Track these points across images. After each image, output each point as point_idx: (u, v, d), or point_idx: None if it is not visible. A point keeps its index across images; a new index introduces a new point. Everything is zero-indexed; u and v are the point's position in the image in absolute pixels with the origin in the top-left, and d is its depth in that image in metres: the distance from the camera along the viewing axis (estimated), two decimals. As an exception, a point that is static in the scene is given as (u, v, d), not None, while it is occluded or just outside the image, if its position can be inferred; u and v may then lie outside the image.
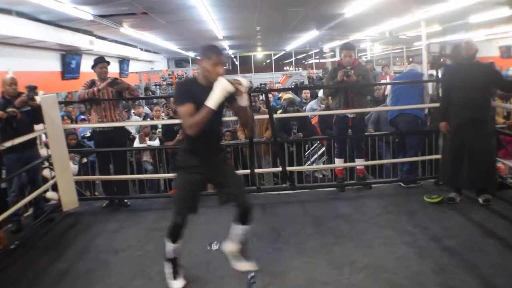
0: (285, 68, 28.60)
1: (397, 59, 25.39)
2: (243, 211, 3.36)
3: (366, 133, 5.84)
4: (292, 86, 12.51)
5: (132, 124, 6.88)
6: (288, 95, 8.01)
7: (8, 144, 4.33)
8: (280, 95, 8.78)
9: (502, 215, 4.42)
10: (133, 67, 17.33)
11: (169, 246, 3.34)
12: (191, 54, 22.34)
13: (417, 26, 12.71)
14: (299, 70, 23.21)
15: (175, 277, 3.39)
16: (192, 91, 3.06)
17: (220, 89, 2.93)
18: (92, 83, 5.30)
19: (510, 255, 3.60)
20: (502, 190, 4.92)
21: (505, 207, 4.57)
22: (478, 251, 3.69)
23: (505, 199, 4.73)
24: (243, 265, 3.52)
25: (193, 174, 3.23)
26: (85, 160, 6.12)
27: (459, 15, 11.26)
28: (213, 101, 2.93)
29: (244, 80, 3.07)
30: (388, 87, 6.36)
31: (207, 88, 3.00)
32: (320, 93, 7.46)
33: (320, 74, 14.10)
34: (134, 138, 6.59)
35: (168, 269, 3.38)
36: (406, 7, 10.34)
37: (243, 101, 3.11)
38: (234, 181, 3.43)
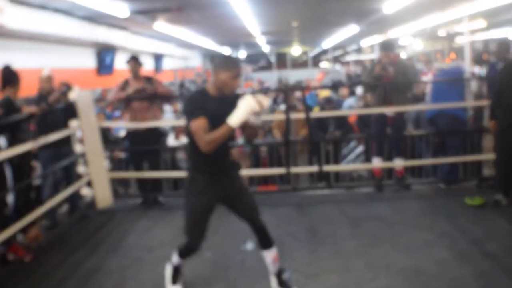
0: (321, 65, 28.35)
1: (438, 56, 24.91)
2: (259, 232, 3.14)
3: (405, 132, 5.69)
4: (329, 84, 12.41)
5: (165, 124, 6.87)
6: (326, 92, 7.90)
7: (42, 140, 4.38)
8: (317, 92, 8.67)
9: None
10: (167, 63, 17.47)
11: (177, 258, 3.28)
12: (227, 50, 22.41)
13: (460, 21, 12.42)
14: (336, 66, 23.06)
15: (174, 282, 3.32)
16: (204, 103, 2.85)
17: (246, 108, 2.69)
18: (125, 84, 5.34)
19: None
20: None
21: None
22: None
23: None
24: None
25: (205, 196, 3.03)
26: (122, 155, 6.19)
27: (504, 9, 10.96)
28: (236, 120, 2.70)
29: (265, 99, 2.80)
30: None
31: (219, 100, 2.87)
32: (359, 90, 7.34)
33: (358, 72, 13.94)
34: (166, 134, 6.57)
35: (169, 273, 3.33)
36: (449, 0, 10.09)
37: (258, 120, 2.88)
38: (247, 200, 3.16)
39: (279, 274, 3.18)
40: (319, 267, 3.58)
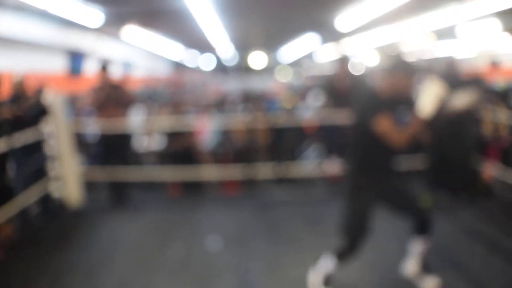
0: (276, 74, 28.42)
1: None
2: (422, 222, 3.28)
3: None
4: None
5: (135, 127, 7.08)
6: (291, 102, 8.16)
7: (14, 141, 4.56)
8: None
9: None
10: (137, 72, 17.43)
11: (329, 263, 3.29)
12: (196, 54, 22.31)
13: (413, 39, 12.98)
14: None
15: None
16: (380, 103, 3.02)
17: (431, 97, 2.95)
18: (97, 90, 5.66)
19: None
20: None
21: None
22: None
23: None
24: (430, 283, 3.35)
25: (368, 195, 3.17)
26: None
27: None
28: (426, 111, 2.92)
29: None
30: None
31: (391, 100, 3.06)
32: (312, 102, 7.68)
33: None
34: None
35: (318, 280, 3.37)
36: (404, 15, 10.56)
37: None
38: (407, 196, 3.33)
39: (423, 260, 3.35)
40: (281, 262, 3.91)
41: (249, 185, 6.04)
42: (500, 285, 3.45)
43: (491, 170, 5.37)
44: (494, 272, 3.61)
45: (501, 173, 5.21)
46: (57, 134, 5.34)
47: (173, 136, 6.09)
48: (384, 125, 2.95)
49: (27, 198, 4.80)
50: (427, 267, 3.42)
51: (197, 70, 25.48)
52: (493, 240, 4.21)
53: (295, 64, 25.67)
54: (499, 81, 8.24)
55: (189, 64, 24.12)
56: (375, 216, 3.23)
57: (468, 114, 4.93)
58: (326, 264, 3.31)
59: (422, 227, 3.26)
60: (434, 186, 5.18)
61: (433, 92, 2.99)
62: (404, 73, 3.08)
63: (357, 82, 5.81)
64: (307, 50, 18.96)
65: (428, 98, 2.98)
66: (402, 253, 3.55)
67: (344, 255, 3.23)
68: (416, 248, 3.33)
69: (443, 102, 3.34)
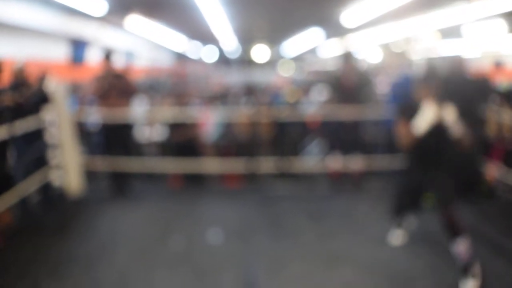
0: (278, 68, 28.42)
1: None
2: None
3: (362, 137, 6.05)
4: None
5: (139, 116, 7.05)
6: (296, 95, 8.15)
7: (15, 128, 4.53)
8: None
9: None
10: (139, 62, 17.36)
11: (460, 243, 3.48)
12: (198, 45, 22.20)
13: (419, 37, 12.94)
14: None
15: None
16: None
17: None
18: (100, 79, 5.63)
19: None
20: None
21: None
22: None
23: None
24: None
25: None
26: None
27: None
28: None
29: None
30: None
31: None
32: (316, 97, 7.67)
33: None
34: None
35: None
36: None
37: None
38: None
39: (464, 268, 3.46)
40: (283, 257, 3.89)
41: (251, 178, 6.01)
42: (502, 285, 3.45)
43: (494, 171, 5.34)
44: (496, 273, 3.59)
45: (504, 175, 5.18)
46: (59, 123, 5.31)
47: (176, 127, 6.05)
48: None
49: (27, 186, 4.77)
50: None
51: (200, 61, 25.38)
52: (495, 241, 4.20)
53: (298, 59, 25.60)
54: (503, 82, 8.18)
55: (192, 55, 24.02)
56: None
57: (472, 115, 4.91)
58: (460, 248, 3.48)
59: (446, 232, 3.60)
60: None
61: (429, 114, 3.52)
62: (434, 84, 3.59)
63: (362, 79, 5.77)
64: (310, 45, 18.90)
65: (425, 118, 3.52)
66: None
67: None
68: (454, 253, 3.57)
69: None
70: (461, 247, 3.45)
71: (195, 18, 11.75)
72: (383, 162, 5.72)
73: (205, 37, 17.33)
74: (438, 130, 3.59)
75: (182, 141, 6.00)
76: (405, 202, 4.00)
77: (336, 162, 5.84)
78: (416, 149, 3.74)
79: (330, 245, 4.12)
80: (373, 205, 5.20)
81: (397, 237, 4.22)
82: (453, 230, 3.48)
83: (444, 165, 3.71)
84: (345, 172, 5.90)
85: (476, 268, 3.43)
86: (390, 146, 5.90)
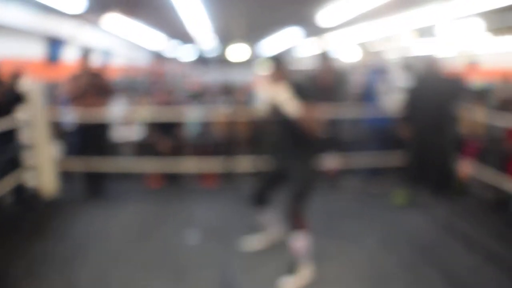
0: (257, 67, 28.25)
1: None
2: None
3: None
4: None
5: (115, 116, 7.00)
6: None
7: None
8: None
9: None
10: (116, 61, 17.21)
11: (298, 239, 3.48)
12: (177, 44, 22.13)
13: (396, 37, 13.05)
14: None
15: None
16: None
17: None
18: (76, 77, 5.56)
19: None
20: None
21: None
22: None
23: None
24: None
25: None
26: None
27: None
28: None
29: None
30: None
31: None
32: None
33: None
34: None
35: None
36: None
37: None
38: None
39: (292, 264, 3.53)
40: (261, 257, 3.92)
41: (229, 178, 6.02)
42: (475, 280, 3.52)
43: (467, 168, 5.44)
44: (470, 267, 3.68)
45: (477, 172, 5.28)
46: (33, 122, 5.24)
47: (154, 127, 6.03)
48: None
49: (1, 187, 4.69)
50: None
51: (177, 60, 25.27)
52: (468, 236, 4.30)
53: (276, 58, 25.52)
54: (476, 81, 8.33)
55: (170, 54, 23.91)
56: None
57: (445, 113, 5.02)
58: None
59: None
60: (412, 183, 5.25)
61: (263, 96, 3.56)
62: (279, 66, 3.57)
63: (339, 78, 5.82)
64: (288, 44, 18.96)
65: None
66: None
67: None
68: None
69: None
70: (298, 243, 3.45)
71: (173, 17, 11.71)
72: (358, 160, 5.79)
73: (183, 36, 17.28)
74: (276, 113, 3.53)
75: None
76: (261, 190, 3.81)
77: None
78: (265, 135, 3.71)
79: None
80: (349, 205, 5.27)
81: (253, 241, 4.10)
82: (295, 224, 3.44)
83: (302, 153, 3.57)
84: (324, 170, 5.94)
85: (305, 270, 3.52)
86: (364, 145, 5.99)
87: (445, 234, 4.41)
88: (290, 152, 3.61)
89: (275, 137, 3.72)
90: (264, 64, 3.58)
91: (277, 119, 3.58)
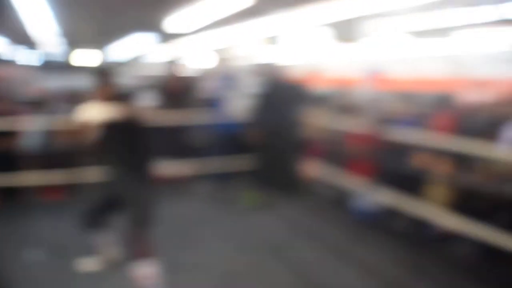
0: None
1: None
2: None
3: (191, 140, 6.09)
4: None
5: None
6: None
7: None
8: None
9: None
10: None
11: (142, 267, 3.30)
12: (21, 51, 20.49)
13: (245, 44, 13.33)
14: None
15: None
16: None
17: None
18: None
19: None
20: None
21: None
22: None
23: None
24: None
25: None
26: None
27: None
28: None
29: None
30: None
31: None
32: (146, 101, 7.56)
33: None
34: None
35: None
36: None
37: None
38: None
39: None
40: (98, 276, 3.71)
41: (75, 189, 5.66)
42: (319, 271, 3.81)
43: (312, 169, 5.76)
44: (315, 261, 3.99)
45: (321, 172, 5.62)
46: None
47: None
48: None
49: None
50: None
51: (18, 65, 23.41)
52: (313, 232, 4.64)
53: (126, 64, 24.97)
54: (320, 87, 8.86)
55: (9, 57, 22.09)
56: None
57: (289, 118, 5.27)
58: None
59: None
60: (261, 185, 5.43)
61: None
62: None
63: (189, 84, 5.83)
64: (139, 49, 18.58)
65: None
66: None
67: None
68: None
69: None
70: (142, 272, 3.30)
71: (14, 18, 10.85)
72: (209, 165, 5.84)
73: (26, 39, 16.10)
74: (113, 131, 3.36)
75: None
76: (94, 213, 3.55)
77: (164, 167, 5.77)
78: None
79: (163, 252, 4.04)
80: (202, 210, 5.29)
81: (91, 262, 3.77)
82: (137, 252, 3.30)
83: (138, 174, 3.44)
84: (174, 177, 5.88)
85: None
86: (215, 150, 6.05)
87: (293, 231, 4.68)
88: (125, 175, 3.39)
89: (109, 156, 3.47)
90: (91, 79, 3.38)
91: (109, 137, 3.36)
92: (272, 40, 12.16)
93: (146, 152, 3.51)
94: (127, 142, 3.34)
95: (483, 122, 4.89)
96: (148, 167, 3.49)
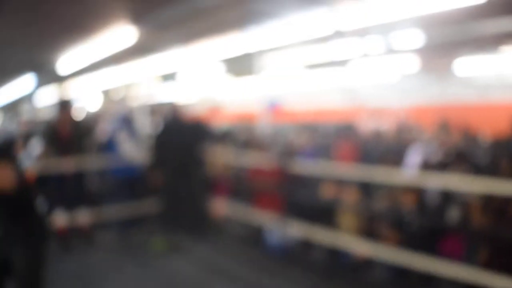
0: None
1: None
2: None
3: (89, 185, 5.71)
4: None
5: None
6: None
7: None
8: None
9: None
10: None
11: None
12: None
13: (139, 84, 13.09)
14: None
15: None
16: None
17: None
18: None
19: None
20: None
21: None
22: None
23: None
24: None
25: None
26: None
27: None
28: None
29: None
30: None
31: None
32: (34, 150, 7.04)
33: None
34: None
35: None
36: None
37: None
38: None
39: None
40: None
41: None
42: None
43: (221, 207, 5.61)
44: None
45: (230, 210, 5.50)
46: None
47: None
48: None
49: None
50: None
51: None
52: (229, 271, 4.48)
53: (10, 107, 23.47)
54: (219, 124, 8.82)
55: None
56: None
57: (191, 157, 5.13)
58: None
59: None
60: (169, 228, 5.19)
61: None
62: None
63: (81, 128, 5.47)
64: (24, 92, 17.57)
65: None
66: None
67: None
68: None
69: None
70: None
71: None
72: (112, 212, 5.50)
73: None
74: None
75: None
76: None
77: (62, 219, 5.32)
78: None
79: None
80: (108, 260, 4.92)
81: None
82: None
83: (21, 237, 2.94)
84: (73, 228, 5.43)
85: None
86: (116, 195, 5.72)
87: (207, 273, 4.48)
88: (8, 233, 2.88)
89: None
90: None
91: None
92: (169, 77, 12.01)
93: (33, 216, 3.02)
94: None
95: (382, 149, 5.07)
96: (35, 221, 3.04)
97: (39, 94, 18.23)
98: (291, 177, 4.98)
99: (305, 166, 4.78)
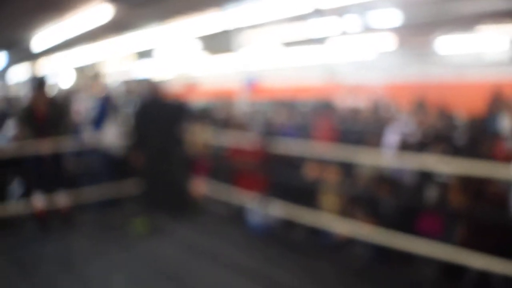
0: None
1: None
2: None
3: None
4: None
5: None
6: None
7: None
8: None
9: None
10: None
11: None
12: None
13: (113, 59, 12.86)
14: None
15: None
16: None
17: None
18: None
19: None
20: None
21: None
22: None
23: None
24: None
25: None
26: None
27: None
28: None
29: None
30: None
31: None
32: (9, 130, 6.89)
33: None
34: None
35: None
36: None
37: None
38: None
39: None
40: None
41: None
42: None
43: (201, 187, 5.60)
44: (215, 281, 3.88)
45: (211, 189, 5.49)
46: None
47: None
48: None
49: None
50: None
51: None
52: (211, 251, 4.49)
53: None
54: (198, 101, 8.74)
55: None
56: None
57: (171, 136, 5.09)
58: None
59: None
60: (150, 209, 5.15)
61: None
62: None
63: (57, 108, 5.36)
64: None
65: None
66: None
67: None
68: None
69: None
70: None
71: None
72: (91, 193, 5.46)
73: None
74: None
75: None
76: None
77: (40, 201, 5.25)
78: None
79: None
80: (88, 242, 4.88)
81: None
82: None
83: None
84: (52, 210, 5.37)
85: None
86: (95, 176, 5.66)
87: (189, 254, 4.47)
88: None
89: None
90: None
91: None
92: (145, 55, 11.84)
93: None
94: None
95: (360, 128, 5.11)
96: None
97: (12, 71, 17.82)
98: (272, 156, 4.99)
99: (286, 146, 4.79)
